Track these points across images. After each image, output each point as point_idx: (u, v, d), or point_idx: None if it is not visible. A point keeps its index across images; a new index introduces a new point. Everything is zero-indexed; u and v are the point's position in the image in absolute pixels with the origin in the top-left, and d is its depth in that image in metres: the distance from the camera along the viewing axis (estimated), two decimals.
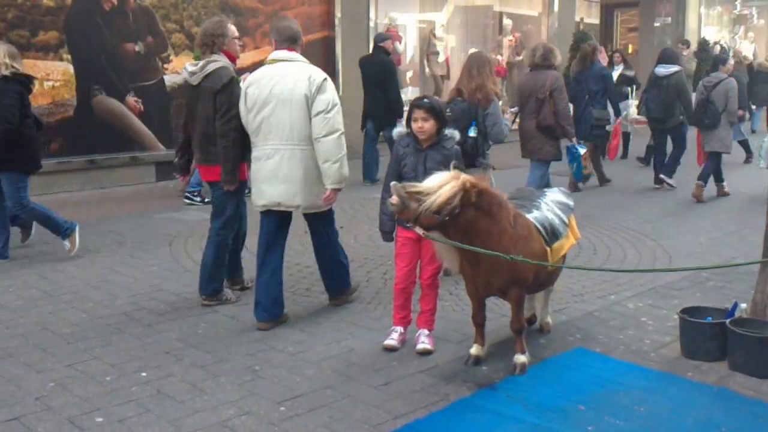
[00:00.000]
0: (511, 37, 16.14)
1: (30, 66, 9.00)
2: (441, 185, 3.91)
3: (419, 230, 4.08)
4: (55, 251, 6.67)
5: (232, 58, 5.38)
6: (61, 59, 9.31)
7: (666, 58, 9.99)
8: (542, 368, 4.43)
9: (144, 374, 4.25)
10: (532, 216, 4.47)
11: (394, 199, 3.94)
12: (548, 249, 4.42)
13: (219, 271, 5.41)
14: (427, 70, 14.70)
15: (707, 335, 4.50)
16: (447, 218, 3.92)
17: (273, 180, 4.88)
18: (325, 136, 4.78)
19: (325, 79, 4.87)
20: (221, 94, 5.06)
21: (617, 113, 10.40)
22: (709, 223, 8.25)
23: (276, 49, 5.02)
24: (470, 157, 5.71)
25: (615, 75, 10.67)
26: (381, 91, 10.02)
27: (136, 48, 9.95)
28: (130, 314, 5.20)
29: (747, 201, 9.38)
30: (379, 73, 9.98)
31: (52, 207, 8.33)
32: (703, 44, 17.04)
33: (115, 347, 4.63)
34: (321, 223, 5.18)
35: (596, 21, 18.09)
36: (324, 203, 4.97)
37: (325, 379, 4.23)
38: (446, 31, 15.01)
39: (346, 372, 4.33)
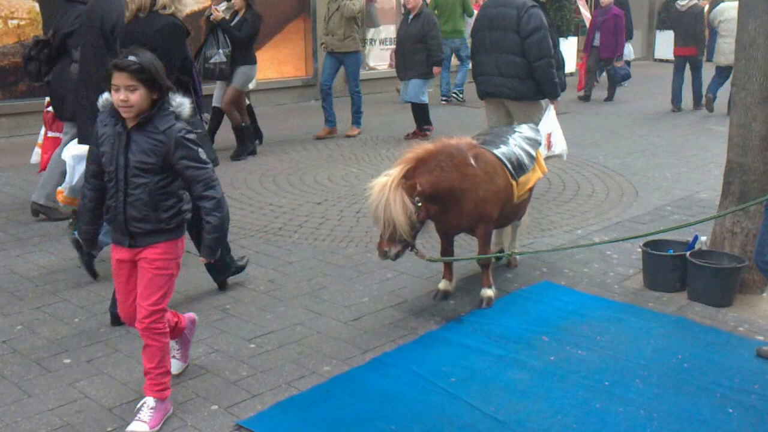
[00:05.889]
0: None
1: None
2: (387, 209, 3.84)
3: (423, 258, 4.24)
4: (26, 198, 6.61)
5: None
6: None
7: None
8: (508, 301, 4.52)
9: None
10: (499, 151, 4.49)
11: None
12: (514, 183, 4.46)
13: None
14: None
15: (668, 267, 4.61)
16: (420, 216, 3.99)
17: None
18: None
19: None
20: (698, 17, 11.28)
21: None
22: (675, 158, 8.33)
23: None
24: None
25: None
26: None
27: None
28: (100, 255, 5.16)
29: (716, 136, 9.45)
30: None
31: (19, 150, 8.28)
32: None
33: (84, 289, 4.64)
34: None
35: None
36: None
37: (295, 316, 4.29)
38: None
39: (316, 309, 4.39)
